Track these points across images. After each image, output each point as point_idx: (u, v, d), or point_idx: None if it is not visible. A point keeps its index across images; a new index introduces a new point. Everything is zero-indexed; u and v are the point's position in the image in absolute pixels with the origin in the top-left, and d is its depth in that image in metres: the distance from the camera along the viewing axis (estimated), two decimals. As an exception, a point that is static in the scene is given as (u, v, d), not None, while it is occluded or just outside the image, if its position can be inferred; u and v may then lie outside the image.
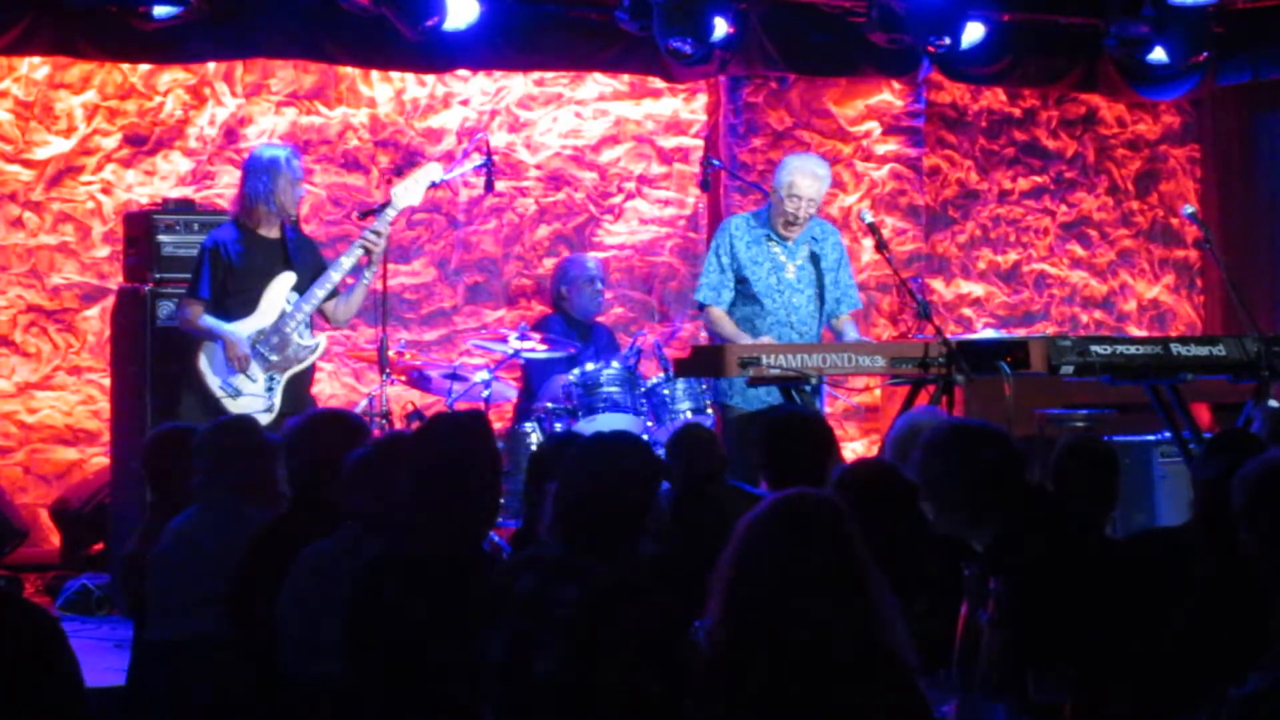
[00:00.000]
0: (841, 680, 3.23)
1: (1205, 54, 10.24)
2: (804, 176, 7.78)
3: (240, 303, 7.43)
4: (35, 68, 9.27)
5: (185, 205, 8.45)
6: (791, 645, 3.23)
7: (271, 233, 7.54)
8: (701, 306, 7.98)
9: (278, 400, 7.42)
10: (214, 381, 7.39)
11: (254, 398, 7.37)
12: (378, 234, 7.55)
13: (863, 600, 3.27)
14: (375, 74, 9.78)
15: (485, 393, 8.36)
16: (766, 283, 7.80)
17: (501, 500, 4.98)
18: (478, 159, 8.29)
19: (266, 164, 7.52)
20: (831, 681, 3.22)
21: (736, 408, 7.82)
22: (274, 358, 7.43)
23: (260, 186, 7.47)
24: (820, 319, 7.92)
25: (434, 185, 7.88)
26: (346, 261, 7.53)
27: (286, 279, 7.50)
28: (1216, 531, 4.36)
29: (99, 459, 9.19)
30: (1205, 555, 4.22)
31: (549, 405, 8.34)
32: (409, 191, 7.71)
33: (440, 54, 9.26)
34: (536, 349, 8.49)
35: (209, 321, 7.39)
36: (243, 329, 7.41)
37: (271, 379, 7.44)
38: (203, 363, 7.42)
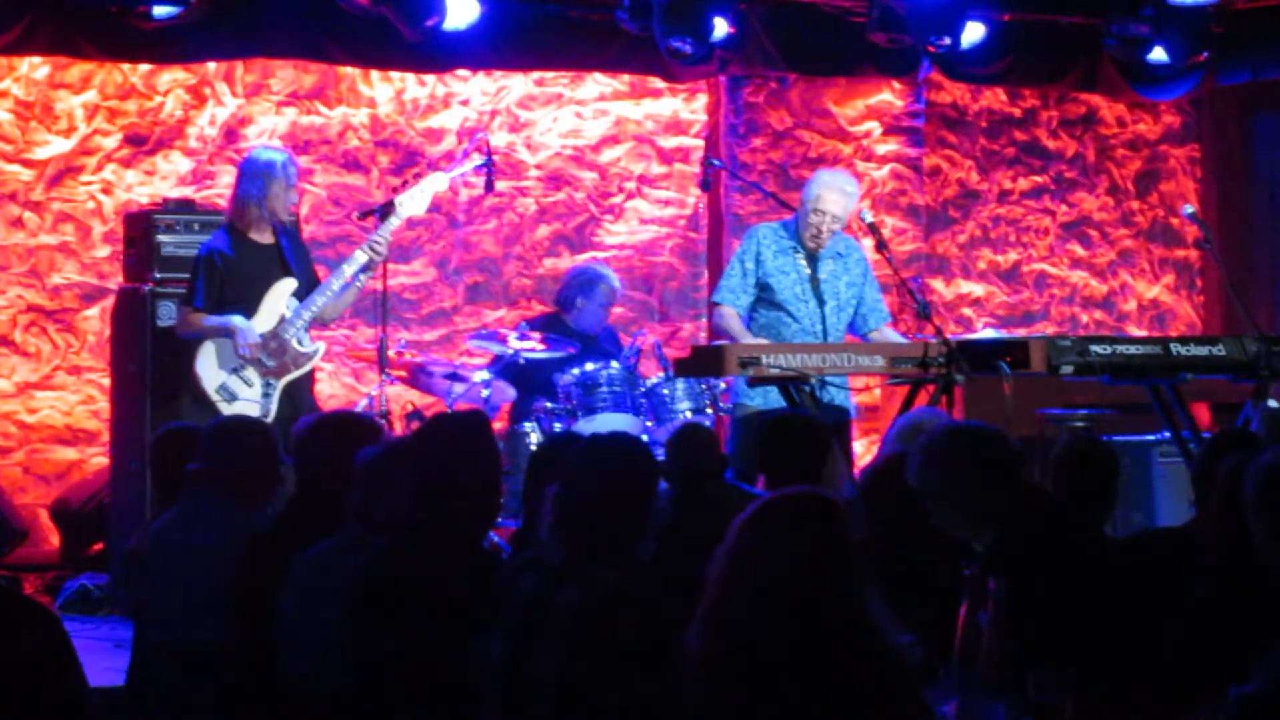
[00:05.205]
0: (837, 680, 3.22)
1: (1205, 54, 10.23)
2: (831, 192, 7.74)
3: (238, 310, 7.39)
4: (35, 68, 9.27)
5: (185, 205, 8.44)
6: (784, 645, 3.23)
7: (264, 237, 7.50)
8: (716, 305, 7.92)
9: (274, 406, 7.39)
10: (211, 384, 7.36)
11: (249, 403, 7.34)
12: (381, 241, 7.52)
13: (856, 599, 3.27)
14: (375, 74, 9.78)
15: (485, 392, 8.35)
16: (792, 291, 7.74)
17: (501, 500, 4.98)
18: (478, 159, 8.26)
19: (262, 168, 7.49)
20: (827, 681, 3.22)
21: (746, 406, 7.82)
22: (271, 363, 7.40)
23: (254, 191, 7.44)
24: (843, 330, 7.85)
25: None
26: (348, 269, 7.49)
27: (287, 285, 7.48)
28: (1217, 530, 4.37)
29: (99, 459, 9.18)
30: (1206, 554, 4.22)
31: (549, 405, 8.34)
32: (414, 200, 7.67)
33: (440, 54, 9.25)
34: (536, 349, 8.48)
35: (215, 319, 7.37)
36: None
37: (268, 384, 7.42)
38: (199, 366, 7.38)
